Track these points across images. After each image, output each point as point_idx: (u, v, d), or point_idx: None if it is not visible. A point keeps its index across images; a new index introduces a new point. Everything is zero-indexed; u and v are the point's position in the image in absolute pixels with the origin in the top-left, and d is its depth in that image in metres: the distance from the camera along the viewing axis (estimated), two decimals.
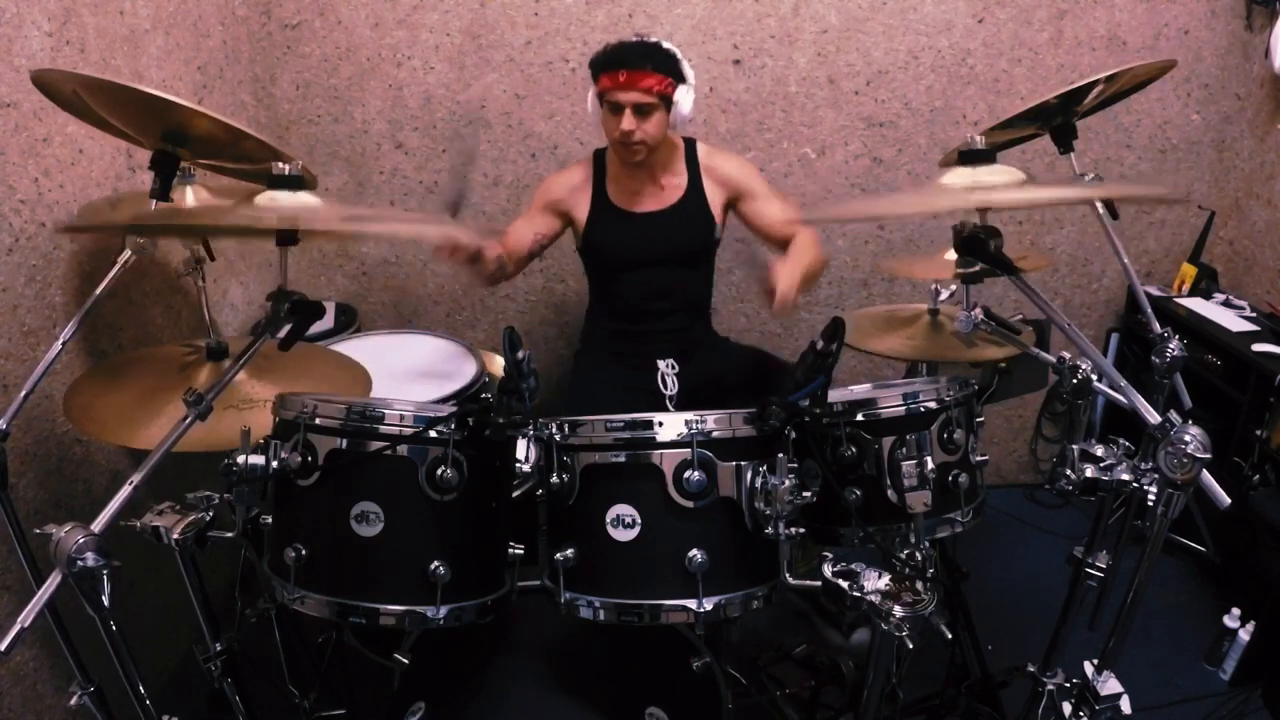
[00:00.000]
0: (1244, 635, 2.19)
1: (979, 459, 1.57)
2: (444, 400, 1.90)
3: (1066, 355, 1.49)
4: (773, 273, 1.79)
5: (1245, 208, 2.80)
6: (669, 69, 1.98)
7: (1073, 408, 1.51)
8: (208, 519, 1.29)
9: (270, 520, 1.35)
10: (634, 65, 1.94)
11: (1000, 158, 1.36)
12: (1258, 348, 2.36)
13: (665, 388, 2.08)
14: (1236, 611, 2.23)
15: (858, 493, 1.47)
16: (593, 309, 2.41)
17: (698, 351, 2.25)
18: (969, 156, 1.34)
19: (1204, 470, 1.15)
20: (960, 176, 1.33)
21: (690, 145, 2.21)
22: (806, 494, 1.30)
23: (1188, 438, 1.13)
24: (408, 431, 1.28)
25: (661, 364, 2.12)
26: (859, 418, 1.48)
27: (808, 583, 1.30)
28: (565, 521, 1.38)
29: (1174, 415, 1.18)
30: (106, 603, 1.04)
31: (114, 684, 1.24)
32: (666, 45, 2.00)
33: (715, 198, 2.20)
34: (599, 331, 2.36)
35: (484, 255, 2.01)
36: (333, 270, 2.88)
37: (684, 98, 2.01)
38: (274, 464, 1.25)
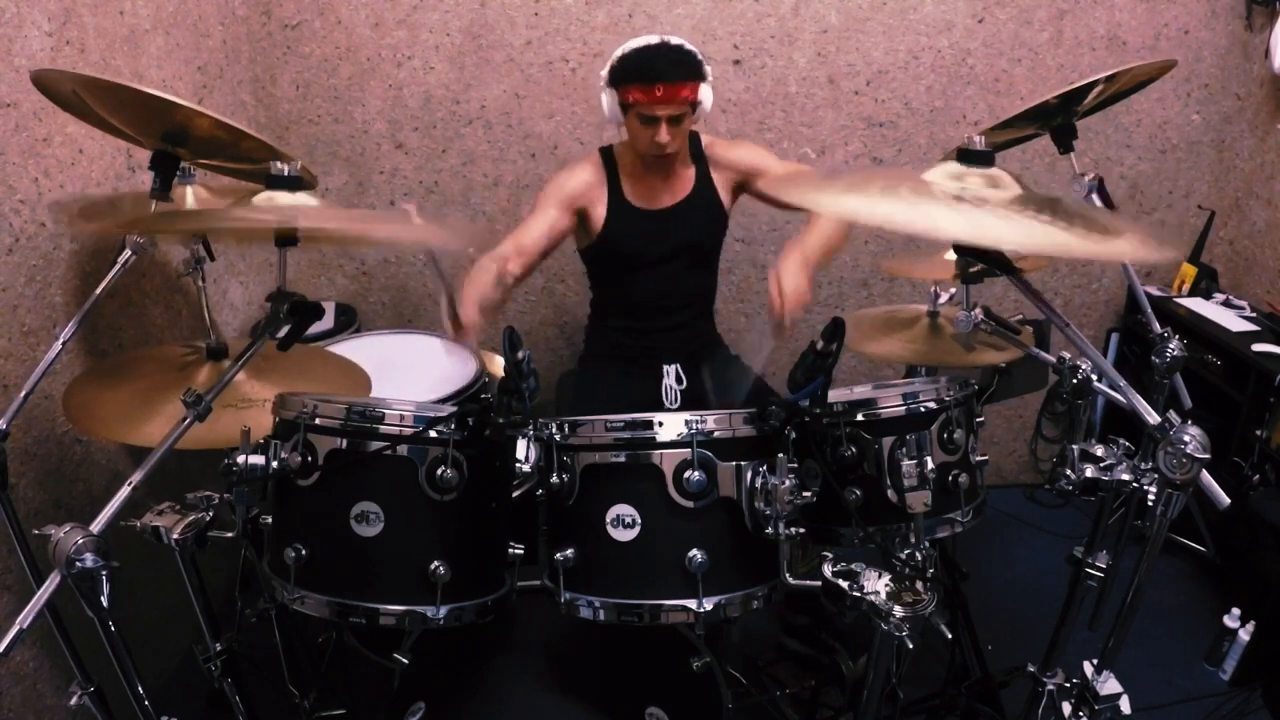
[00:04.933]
0: (1244, 635, 2.19)
1: (979, 459, 1.56)
2: (444, 400, 1.90)
3: (1066, 355, 1.49)
4: (772, 281, 1.74)
5: (1245, 208, 2.80)
6: (698, 72, 1.94)
7: (1073, 408, 1.52)
8: (208, 519, 1.29)
9: (270, 520, 1.35)
10: (671, 78, 1.90)
11: (1000, 158, 1.35)
12: (1258, 348, 2.36)
13: (668, 400, 2.07)
14: (1236, 611, 2.23)
15: (858, 493, 1.47)
16: (597, 310, 2.37)
17: (702, 355, 2.25)
18: (969, 156, 1.34)
19: (1204, 470, 1.15)
20: (940, 174, 1.32)
21: (694, 138, 2.19)
22: (806, 494, 1.29)
23: (1187, 438, 1.13)
24: (408, 431, 1.28)
25: (667, 371, 2.11)
26: (859, 418, 1.48)
27: (808, 583, 1.30)
28: (565, 521, 1.38)
29: (1174, 415, 1.17)
30: (106, 603, 1.04)
31: (114, 684, 1.24)
32: (689, 46, 1.96)
33: (723, 185, 2.19)
34: (604, 333, 2.34)
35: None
36: (333, 270, 2.88)
37: (707, 96, 1.98)
38: (274, 464, 1.25)
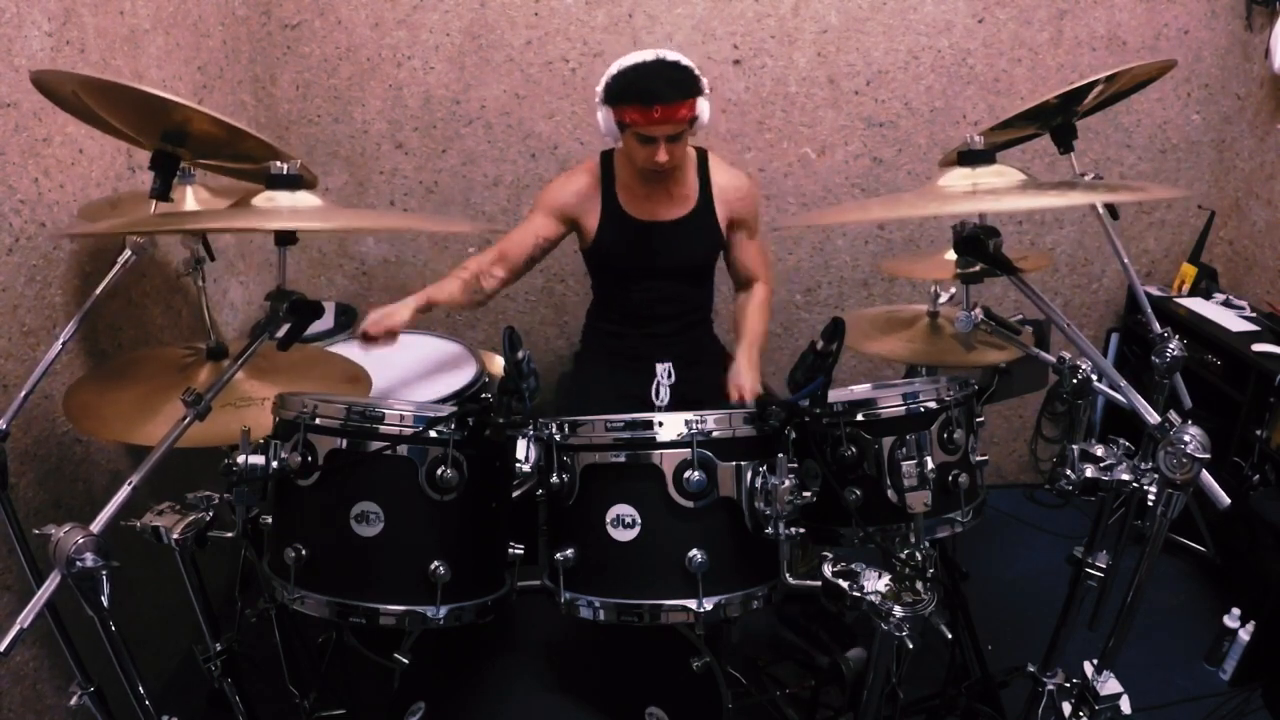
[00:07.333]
0: (1244, 635, 2.19)
1: (979, 459, 1.56)
2: (444, 400, 1.90)
3: (1066, 355, 1.49)
4: (732, 377, 1.96)
5: (1245, 208, 2.80)
6: (695, 89, 1.89)
7: (1073, 408, 1.52)
8: (208, 519, 1.29)
9: (270, 520, 1.35)
10: (668, 99, 1.85)
11: (1000, 158, 1.36)
12: (1258, 348, 2.36)
13: (657, 398, 2.07)
14: (1236, 611, 2.23)
15: (858, 493, 1.47)
16: (594, 310, 2.39)
17: (698, 358, 2.24)
18: (969, 157, 1.34)
19: (1204, 470, 1.15)
20: (958, 178, 1.33)
21: (703, 156, 2.16)
22: (806, 494, 1.30)
23: (1187, 438, 1.13)
24: (408, 431, 1.28)
25: (659, 369, 2.11)
26: (859, 418, 1.48)
27: (808, 583, 1.30)
28: (565, 521, 1.38)
29: (1174, 415, 1.18)
30: (106, 603, 1.04)
31: (114, 684, 1.24)
32: (685, 62, 1.90)
33: (722, 215, 2.16)
34: (599, 333, 2.35)
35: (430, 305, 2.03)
36: (333, 270, 2.88)
37: (704, 109, 1.93)
38: (274, 464, 1.25)
